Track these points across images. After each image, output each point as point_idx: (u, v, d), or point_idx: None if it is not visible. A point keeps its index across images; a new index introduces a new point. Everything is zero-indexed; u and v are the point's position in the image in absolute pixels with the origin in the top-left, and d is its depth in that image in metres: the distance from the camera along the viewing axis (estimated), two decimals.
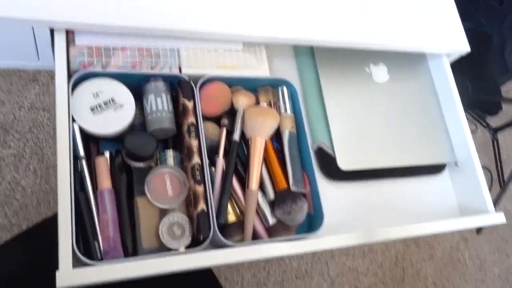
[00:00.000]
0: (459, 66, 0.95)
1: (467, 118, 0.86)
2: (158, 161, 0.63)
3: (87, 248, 0.56)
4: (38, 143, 1.18)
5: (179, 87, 0.64)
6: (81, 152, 0.57)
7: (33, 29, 0.57)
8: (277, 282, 1.35)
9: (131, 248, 0.57)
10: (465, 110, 0.87)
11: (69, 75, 0.59)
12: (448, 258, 1.61)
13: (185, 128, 0.62)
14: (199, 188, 0.59)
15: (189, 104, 0.62)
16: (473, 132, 0.82)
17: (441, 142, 0.85)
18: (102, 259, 0.55)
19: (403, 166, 0.81)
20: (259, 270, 1.34)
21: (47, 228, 0.75)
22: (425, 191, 0.85)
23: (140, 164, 0.60)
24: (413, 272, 1.54)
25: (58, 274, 0.48)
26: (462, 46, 0.87)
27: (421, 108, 0.87)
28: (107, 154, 0.61)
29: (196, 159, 0.60)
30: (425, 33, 0.84)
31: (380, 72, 0.86)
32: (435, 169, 0.86)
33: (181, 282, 0.79)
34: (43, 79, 1.24)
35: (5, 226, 1.11)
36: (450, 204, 0.86)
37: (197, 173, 0.59)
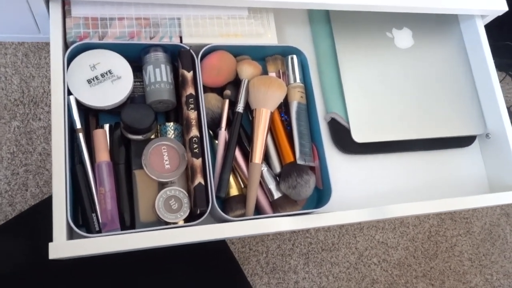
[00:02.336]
0: (498, 27, 0.86)
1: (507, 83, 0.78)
2: (159, 134, 0.62)
3: (85, 221, 0.56)
4: None
5: (179, 58, 0.62)
6: (78, 125, 0.57)
7: (27, 1, 0.56)
8: (302, 253, 1.34)
9: (128, 221, 0.57)
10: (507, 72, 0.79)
11: (66, 47, 0.59)
12: (486, 234, 1.53)
13: (183, 99, 0.60)
14: (197, 162, 0.57)
15: (188, 75, 0.60)
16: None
17: (471, 112, 0.79)
18: (100, 231, 0.56)
19: (427, 139, 0.75)
20: (284, 242, 1.33)
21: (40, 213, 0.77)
22: (452, 165, 0.79)
23: (139, 137, 0.59)
24: (447, 247, 1.48)
25: (51, 245, 0.49)
26: (498, 5, 0.78)
27: (449, 76, 0.80)
28: (106, 127, 0.60)
29: (194, 132, 0.58)
30: None
31: (403, 37, 0.79)
32: (463, 141, 0.80)
33: (193, 258, 0.80)
34: None
35: (38, 195, 1.16)
36: (479, 179, 0.80)
37: (195, 146, 0.58)
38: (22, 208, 1.15)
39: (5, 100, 1.19)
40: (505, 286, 1.51)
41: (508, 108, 0.76)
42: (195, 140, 0.58)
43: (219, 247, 0.84)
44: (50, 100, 1.23)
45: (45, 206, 0.79)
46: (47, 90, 1.23)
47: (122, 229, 0.56)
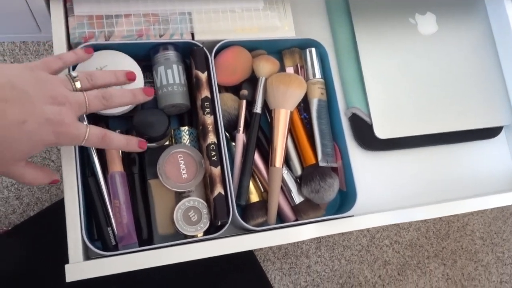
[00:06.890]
0: None
1: None
2: (173, 140, 0.59)
3: (101, 235, 0.53)
4: None
5: (192, 56, 0.57)
6: None
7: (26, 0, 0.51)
8: (314, 238, 1.33)
9: (146, 234, 0.54)
10: None
11: (70, 49, 0.54)
12: (498, 212, 1.51)
13: (198, 103, 0.56)
14: (216, 170, 0.54)
15: (203, 76, 0.56)
16: None
17: (498, 102, 0.74)
18: (117, 245, 0.53)
19: (452, 131, 0.72)
20: None
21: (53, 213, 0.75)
22: (478, 158, 0.75)
23: (153, 144, 0.56)
24: (459, 226, 1.47)
25: (67, 267, 0.47)
26: None
27: (475, 64, 0.75)
28: None
29: (211, 138, 0.55)
30: None
31: (427, 23, 0.74)
32: (490, 132, 0.76)
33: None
34: None
35: (44, 187, 1.13)
36: (507, 172, 0.77)
37: (213, 153, 0.54)
38: (30, 201, 1.13)
39: None
40: None
41: None
42: (212, 147, 0.54)
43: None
44: None
45: (52, 210, 0.76)
46: None
47: (139, 243, 0.53)
